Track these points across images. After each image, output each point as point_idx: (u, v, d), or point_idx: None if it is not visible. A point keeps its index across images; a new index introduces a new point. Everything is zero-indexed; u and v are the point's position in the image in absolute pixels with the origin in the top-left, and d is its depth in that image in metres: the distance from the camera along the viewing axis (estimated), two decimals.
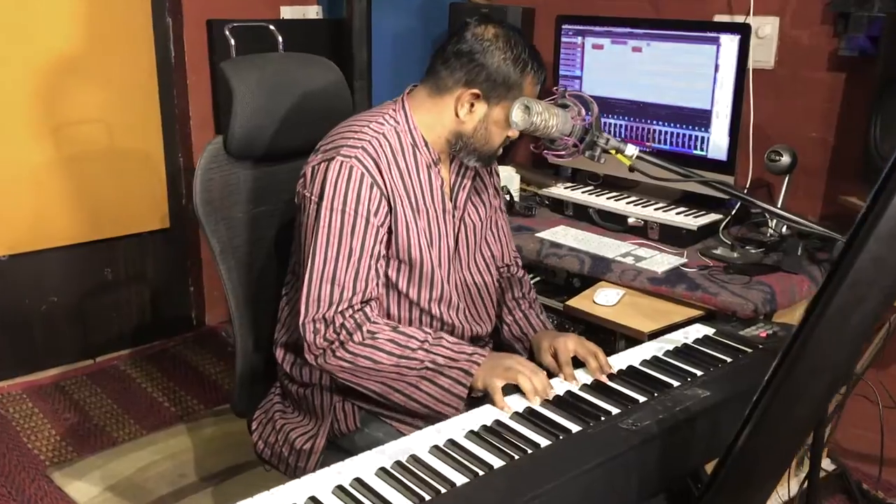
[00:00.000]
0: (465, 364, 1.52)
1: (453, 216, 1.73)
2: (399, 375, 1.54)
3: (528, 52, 1.62)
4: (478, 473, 1.21)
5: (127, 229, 3.41)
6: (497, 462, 1.24)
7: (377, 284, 1.60)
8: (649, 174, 1.53)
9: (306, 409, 1.71)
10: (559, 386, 1.51)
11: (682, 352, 1.65)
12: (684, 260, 2.17)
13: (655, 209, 2.43)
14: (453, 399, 1.51)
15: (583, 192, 2.63)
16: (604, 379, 1.52)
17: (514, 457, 1.25)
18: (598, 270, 2.17)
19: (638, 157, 1.51)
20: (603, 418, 1.37)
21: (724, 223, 2.40)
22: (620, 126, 2.61)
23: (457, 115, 1.63)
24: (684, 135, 2.48)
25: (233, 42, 2.99)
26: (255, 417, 1.80)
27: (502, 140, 1.69)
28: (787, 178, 2.34)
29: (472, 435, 1.33)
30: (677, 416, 1.38)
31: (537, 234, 2.38)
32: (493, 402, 1.43)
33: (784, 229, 2.35)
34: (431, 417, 1.52)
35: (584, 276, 2.21)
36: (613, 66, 2.61)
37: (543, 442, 1.30)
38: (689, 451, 1.42)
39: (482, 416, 1.40)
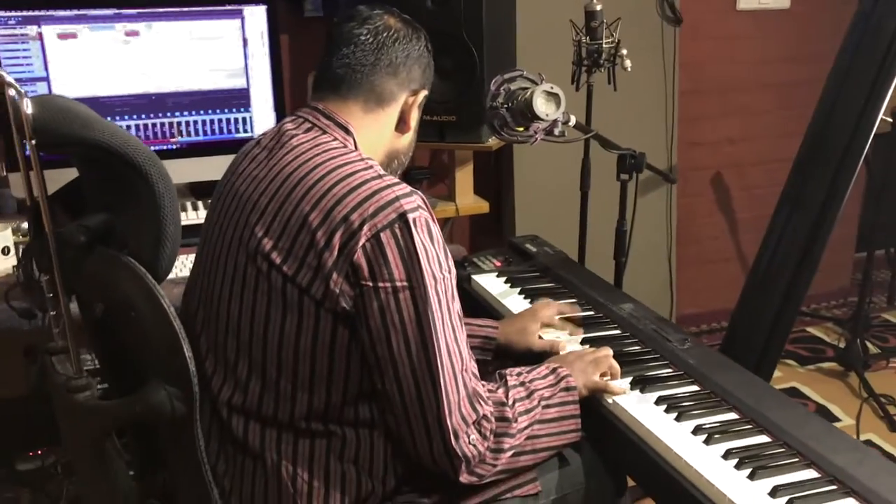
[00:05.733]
0: (562, 383, 1.33)
1: None
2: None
3: None
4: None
5: None
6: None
7: None
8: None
9: None
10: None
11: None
12: None
13: None
14: (573, 422, 1.32)
15: None
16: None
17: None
18: None
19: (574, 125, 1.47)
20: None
21: None
22: (131, 127, 2.11)
23: (396, 127, 1.30)
24: (222, 119, 2.20)
25: None
26: None
27: None
28: None
29: (709, 439, 1.24)
30: None
31: None
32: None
33: None
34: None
35: None
36: (99, 58, 2.05)
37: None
38: None
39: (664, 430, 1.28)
